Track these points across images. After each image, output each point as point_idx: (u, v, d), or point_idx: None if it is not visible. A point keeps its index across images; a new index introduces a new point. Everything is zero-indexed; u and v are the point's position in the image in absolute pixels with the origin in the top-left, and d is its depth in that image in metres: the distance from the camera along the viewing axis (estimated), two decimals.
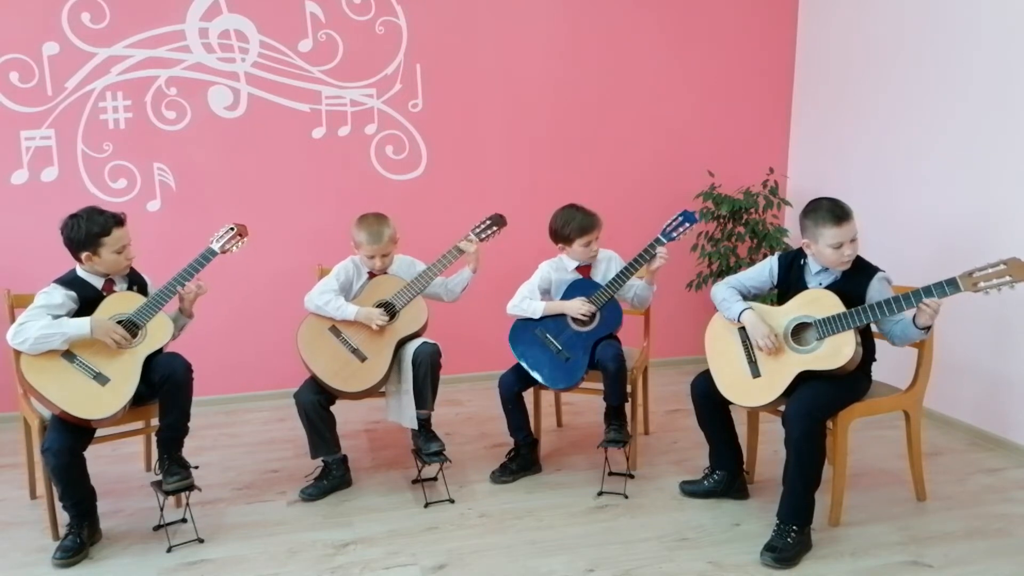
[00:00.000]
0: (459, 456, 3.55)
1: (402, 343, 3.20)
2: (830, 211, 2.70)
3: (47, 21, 3.90)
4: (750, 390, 2.81)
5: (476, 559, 2.70)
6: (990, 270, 2.48)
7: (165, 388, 2.80)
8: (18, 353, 2.71)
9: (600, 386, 3.22)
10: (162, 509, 2.86)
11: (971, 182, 3.65)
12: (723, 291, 2.97)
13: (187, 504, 2.94)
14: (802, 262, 2.88)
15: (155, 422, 2.91)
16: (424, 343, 3.19)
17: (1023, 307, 3.40)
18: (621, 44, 4.58)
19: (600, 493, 3.17)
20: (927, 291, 2.55)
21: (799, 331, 2.77)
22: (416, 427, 3.18)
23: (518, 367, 3.29)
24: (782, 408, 2.76)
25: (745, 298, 2.95)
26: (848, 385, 2.78)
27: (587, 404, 4.12)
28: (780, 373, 2.75)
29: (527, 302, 3.30)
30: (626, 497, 3.13)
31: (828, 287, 2.78)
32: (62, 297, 2.76)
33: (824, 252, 2.74)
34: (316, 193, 4.34)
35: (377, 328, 3.15)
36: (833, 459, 2.83)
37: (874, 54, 4.18)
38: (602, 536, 2.84)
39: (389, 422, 3.33)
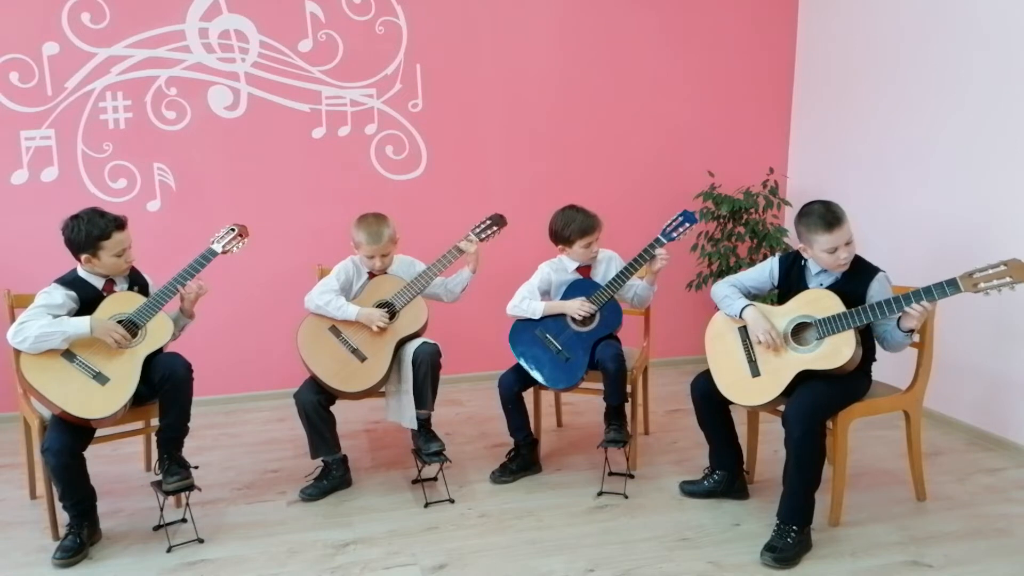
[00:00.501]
0: (459, 456, 3.55)
1: (402, 343, 3.20)
2: (821, 217, 2.69)
3: (47, 21, 3.90)
4: (750, 390, 2.81)
5: (476, 559, 2.70)
6: (990, 271, 2.47)
7: (165, 388, 2.81)
8: (18, 353, 2.71)
9: (600, 386, 3.22)
10: (162, 509, 2.86)
11: (971, 182, 3.65)
12: (724, 288, 2.97)
13: (187, 504, 2.94)
14: (802, 263, 2.88)
15: (155, 422, 2.91)
16: (424, 343, 3.19)
17: (1023, 307, 3.40)
18: (621, 44, 4.58)
19: (600, 493, 3.17)
20: (927, 291, 2.54)
21: (799, 331, 2.77)
22: (416, 427, 3.18)
23: (518, 367, 3.29)
24: (782, 408, 2.76)
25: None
26: (848, 385, 2.78)
27: (587, 404, 4.12)
28: (780, 373, 2.75)
29: (527, 303, 3.30)
30: (626, 497, 3.13)
31: (829, 287, 2.77)
32: (62, 297, 2.76)
33: (820, 256, 2.74)
34: (316, 193, 4.34)
35: (378, 329, 3.15)
36: (833, 459, 2.83)
37: (874, 54, 4.18)
38: (602, 536, 2.84)
39: (389, 422, 3.32)
